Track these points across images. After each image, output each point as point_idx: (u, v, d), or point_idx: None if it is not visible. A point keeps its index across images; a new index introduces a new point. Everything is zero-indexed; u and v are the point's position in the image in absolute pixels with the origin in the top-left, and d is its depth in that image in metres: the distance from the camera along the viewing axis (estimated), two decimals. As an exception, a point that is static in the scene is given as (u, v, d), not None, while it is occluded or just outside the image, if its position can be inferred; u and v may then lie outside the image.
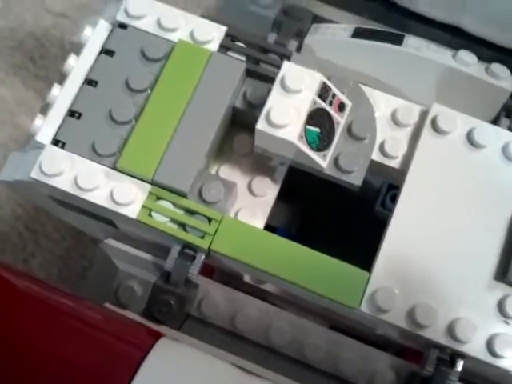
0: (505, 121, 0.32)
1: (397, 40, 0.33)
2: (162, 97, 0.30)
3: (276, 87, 0.28)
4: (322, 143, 0.29)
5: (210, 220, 0.29)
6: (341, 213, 0.40)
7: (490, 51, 0.33)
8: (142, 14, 0.31)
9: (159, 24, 0.31)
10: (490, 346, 0.27)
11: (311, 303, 0.31)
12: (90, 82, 0.31)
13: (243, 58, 0.31)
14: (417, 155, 0.30)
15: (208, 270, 0.34)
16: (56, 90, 0.31)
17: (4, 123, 0.55)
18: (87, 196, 0.29)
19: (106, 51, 0.31)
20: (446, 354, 0.28)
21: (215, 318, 0.31)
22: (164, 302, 0.29)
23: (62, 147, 0.30)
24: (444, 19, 0.33)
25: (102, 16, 0.32)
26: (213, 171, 0.32)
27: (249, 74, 0.31)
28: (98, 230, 0.34)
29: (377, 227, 0.31)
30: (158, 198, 0.29)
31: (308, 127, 0.28)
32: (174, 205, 0.29)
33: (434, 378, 0.28)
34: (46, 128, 0.30)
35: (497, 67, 0.32)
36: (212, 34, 0.31)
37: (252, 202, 0.32)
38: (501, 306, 0.28)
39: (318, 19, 0.35)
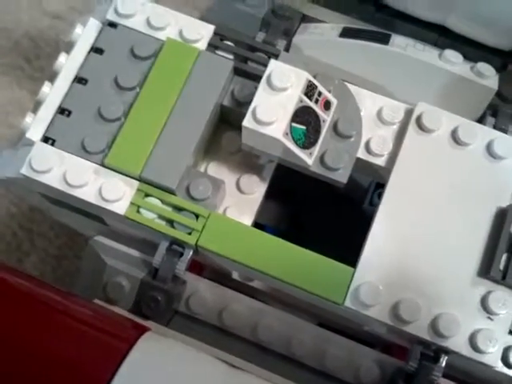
0: (490, 119, 0.32)
1: (384, 39, 0.33)
2: (151, 94, 0.30)
3: (262, 85, 0.29)
4: (307, 141, 0.29)
5: (197, 216, 0.29)
6: (330, 212, 0.40)
7: (476, 50, 0.33)
8: (131, 13, 0.32)
9: (148, 23, 0.32)
10: (473, 341, 0.28)
11: (299, 300, 0.32)
12: (79, 79, 0.31)
13: (231, 57, 0.31)
14: (402, 153, 0.30)
15: (197, 268, 0.35)
16: (46, 87, 0.31)
17: (-2, 123, 0.55)
18: (76, 192, 0.29)
19: (96, 49, 0.31)
20: (430, 350, 0.29)
21: (203, 314, 0.32)
22: (152, 297, 0.29)
23: (52, 144, 0.30)
24: (430, 19, 0.33)
25: (92, 15, 0.33)
26: (201, 169, 0.32)
27: (237, 72, 0.31)
28: (90, 227, 0.35)
29: (365, 226, 0.31)
30: (146, 195, 0.29)
31: (294, 125, 0.29)
32: (162, 201, 0.30)
33: (417, 373, 0.28)
34: (36, 125, 0.30)
35: (482, 66, 0.33)
36: (200, 32, 0.31)
37: (240, 200, 0.32)
38: (484, 302, 0.28)
39: (306, 19, 0.35)
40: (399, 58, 0.33)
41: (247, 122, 0.28)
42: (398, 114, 0.31)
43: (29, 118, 0.31)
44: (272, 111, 0.28)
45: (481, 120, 0.33)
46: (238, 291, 0.32)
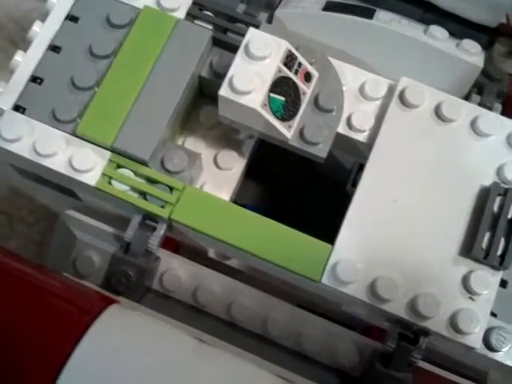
0: (475, 97, 0.31)
1: (368, 14, 0.32)
2: (125, 63, 0.29)
3: (240, 53, 0.28)
4: (286, 113, 0.28)
5: (171, 189, 0.28)
6: (312, 194, 0.39)
7: (461, 27, 0.32)
8: (108, -19, 0.31)
9: (125, -10, 0.31)
10: (453, 321, 0.27)
11: (276, 279, 0.31)
12: (53, 47, 0.30)
13: (210, 27, 0.30)
14: (384, 128, 0.29)
15: (173, 247, 0.34)
16: (19, 56, 0.30)
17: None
18: (46, 162, 0.28)
19: (71, 17, 0.30)
20: (409, 331, 0.28)
21: (177, 292, 0.31)
22: (123, 272, 0.28)
23: (23, 113, 0.29)
24: (416, -6, 0.33)
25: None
26: (178, 143, 0.31)
27: (216, 43, 0.30)
28: (62, 203, 0.34)
29: (347, 208, 0.30)
30: (119, 166, 0.29)
31: (272, 95, 0.28)
32: (135, 173, 0.29)
33: (395, 354, 0.27)
34: (7, 94, 0.29)
35: (468, 43, 0.32)
36: (179, 1, 0.30)
37: (218, 176, 0.31)
38: (465, 282, 0.27)
39: (289, -8, 0.34)
40: (383, 32, 0.32)
41: (224, 90, 0.27)
42: (381, 89, 0.30)
43: (0, 87, 0.30)
44: (249, 80, 0.27)
45: (466, 99, 0.32)
46: (214, 270, 0.31)
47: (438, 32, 0.32)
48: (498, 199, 0.28)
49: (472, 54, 0.32)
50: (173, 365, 0.23)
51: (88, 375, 0.22)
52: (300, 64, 0.29)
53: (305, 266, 0.28)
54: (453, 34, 0.32)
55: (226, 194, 0.31)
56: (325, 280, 0.27)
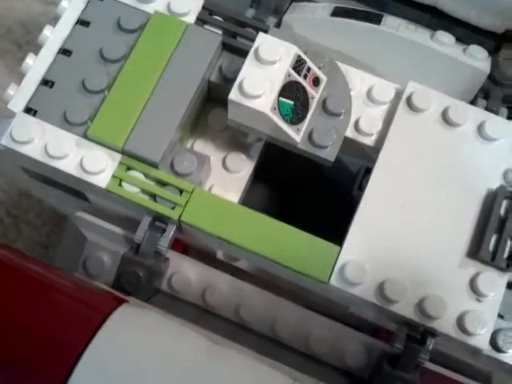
0: (481, 102, 0.32)
1: (375, 19, 0.32)
2: (136, 67, 0.30)
3: (250, 58, 0.28)
4: (295, 116, 0.29)
5: (181, 191, 0.29)
6: (319, 198, 0.39)
7: (468, 33, 0.33)
8: (119, -14, 0.31)
9: (136, -5, 0.31)
10: (460, 323, 0.27)
11: (285, 281, 0.31)
12: (64, 51, 0.30)
13: (220, 32, 0.31)
14: (391, 132, 0.29)
15: (181, 250, 0.34)
16: (30, 59, 0.31)
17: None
18: (57, 164, 0.29)
19: (82, 22, 0.31)
20: (416, 332, 0.28)
21: (186, 293, 0.31)
22: (133, 273, 0.29)
23: (34, 115, 0.29)
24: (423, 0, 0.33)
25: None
26: (187, 146, 0.32)
27: (225, 47, 0.31)
28: (71, 205, 0.34)
29: (353, 211, 0.31)
30: (129, 169, 0.29)
31: (281, 99, 0.28)
32: (145, 175, 0.29)
33: (403, 355, 0.28)
34: (18, 96, 0.30)
35: (474, 48, 0.32)
36: (189, 6, 0.31)
37: (226, 178, 0.32)
38: (472, 284, 0.28)
39: (297, -3, 0.35)
40: (391, 38, 0.32)
41: (233, 94, 0.28)
42: (389, 94, 0.30)
43: (11, 90, 0.30)
44: (259, 84, 0.28)
45: (472, 104, 0.32)
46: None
47: (445, 37, 0.32)
48: (505, 202, 0.28)
49: (478, 59, 0.32)
50: (185, 364, 0.23)
51: (100, 373, 0.22)
52: (309, 68, 0.29)
53: (313, 267, 0.28)
54: (459, 39, 0.33)
55: (234, 197, 0.31)
56: (333, 281, 0.27)
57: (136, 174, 0.29)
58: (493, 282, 0.27)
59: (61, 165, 0.29)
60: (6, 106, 0.30)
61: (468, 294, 0.28)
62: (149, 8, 0.31)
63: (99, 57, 0.30)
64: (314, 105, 0.29)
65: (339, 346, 0.30)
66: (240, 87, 0.28)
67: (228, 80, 0.30)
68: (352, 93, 0.30)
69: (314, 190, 0.40)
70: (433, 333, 0.27)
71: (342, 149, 0.30)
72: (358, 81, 0.31)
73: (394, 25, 0.32)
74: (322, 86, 0.29)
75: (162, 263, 0.30)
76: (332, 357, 0.30)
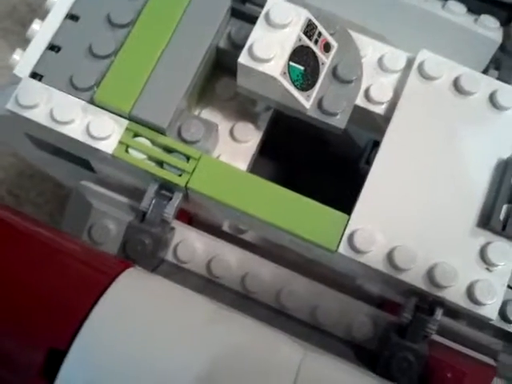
0: (493, 72, 0.31)
1: (386, -12, 0.32)
2: (144, 33, 0.29)
3: (260, 21, 0.28)
4: (305, 82, 0.28)
5: (188, 158, 0.28)
6: (326, 172, 0.39)
7: (479, 3, 0.32)
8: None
9: (144, -40, 0.31)
10: (470, 292, 0.27)
11: (292, 254, 0.31)
12: (71, 16, 0.30)
13: (229, -2, 0.30)
14: (402, 100, 0.29)
15: (186, 222, 0.34)
16: (36, 25, 0.30)
17: (-9, 86, 0.54)
18: (62, 129, 0.28)
19: (89, -13, 0.30)
20: (425, 303, 0.28)
21: (191, 263, 0.30)
22: (138, 240, 0.28)
23: (40, 80, 0.29)
24: (435, -31, 0.32)
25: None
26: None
27: (234, 14, 0.30)
28: (76, 176, 0.34)
29: (361, 185, 0.30)
30: (136, 135, 0.28)
31: (292, 64, 0.28)
32: (152, 142, 0.29)
33: (411, 325, 0.27)
34: (24, 61, 0.29)
35: (486, 18, 0.32)
36: (197, -29, 0.30)
37: (234, 148, 0.31)
38: (483, 253, 0.27)
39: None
40: (402, 7, 0.32)
41: (243, 58, 0.27)
42: (400, 62, 0.30)
43: (17, 55, 0.30)
44: (269, 48, 0.27)
45: (484, 74, 0.32)
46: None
47: (456, 7, 0.32)
48: (517, 172, 0.28)
49: (490, 29, 0.32)
50: (192, 327, 0.22)
51: (106, 335, 0.22)
52: (320, 34, 0.28)
53: (321, 235, 0.27)
54: (471, 10, 0.32)
55: (241, 167, 0.31)
56: (341, 250, 0.27)
57: (143, 141, 0.28)
58: (503, 251, 0.27)
59: (67, 130, 0.28)
60: (13, 72, 0.29)
61: (478, 264, 0.27)
62: (157, -27, 0.30)
63: (106, 22, 0.30)
64: (324, 71, 0.29)
65: (346, 318, 0.30)
66: (250, 51, 0.27)
67: (237, 46, 0.30)
68: (363, 60, 0.30)
69: (321, 165, 0.39)
70: (442, 303, 0.27)
71: (352, 118, 0.29)
72: (369, 49, 0.30)
73: (404, -7, 0.32)
74: (332, 52, 0.29)
75: (168, 232, 0.29)
76: (339, 328, 0.30)
